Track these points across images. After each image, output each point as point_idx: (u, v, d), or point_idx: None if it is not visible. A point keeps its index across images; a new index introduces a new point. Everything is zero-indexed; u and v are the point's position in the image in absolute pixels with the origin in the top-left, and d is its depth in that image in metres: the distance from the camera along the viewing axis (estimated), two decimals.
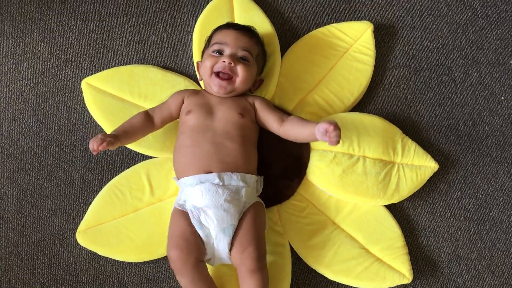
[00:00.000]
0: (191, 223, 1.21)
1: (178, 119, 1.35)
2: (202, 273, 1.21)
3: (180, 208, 1.24)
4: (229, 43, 1.31)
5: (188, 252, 1.19)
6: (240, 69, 1.29)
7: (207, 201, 1.20)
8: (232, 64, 1.28)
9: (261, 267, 1.20)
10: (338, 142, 1.16)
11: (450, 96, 1.50)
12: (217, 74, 1.30)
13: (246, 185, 1.24)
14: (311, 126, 1.23)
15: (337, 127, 1.16)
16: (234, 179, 1.23)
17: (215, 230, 1.20)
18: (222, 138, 1.26)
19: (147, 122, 1.31)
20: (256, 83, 1.38)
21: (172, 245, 1.21)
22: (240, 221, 1.22)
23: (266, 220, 1.29)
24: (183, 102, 1.34)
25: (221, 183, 1.22)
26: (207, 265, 1.26)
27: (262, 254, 1.22)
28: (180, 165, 1.27)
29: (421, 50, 1.52)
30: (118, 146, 1.25)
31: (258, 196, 1.30)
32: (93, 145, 1.19)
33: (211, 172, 1.23)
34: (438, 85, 1.50)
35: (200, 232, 1.20)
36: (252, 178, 1.26)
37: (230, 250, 1.21)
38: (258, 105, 1.34)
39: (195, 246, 1.20)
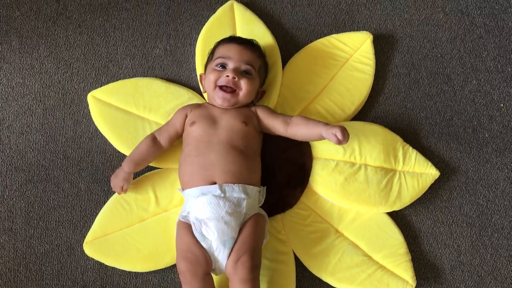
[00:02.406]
0: (195, 236, 1.23)
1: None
2: (210, 285, 1.23)
3: (183, 220, 1.26)
4: (232, 57, 1.33)
5: (197, 265, 1.21)
6: (243, 83, 1.31)
7: (208, 213, 1.22)
8: (236, 79, 1.30)
9: (253, 278, 1.21)
10: (347, 141, 1.22)
11: (449, 104, 1.51)
12: (221, 87, 1.32)
13: (248, 196, 1.25)
14: (318, 130, 1.26)
15: (346, 135, 1.21)
16: (236, 191, 1.24)
17: (216, 242, 1.22)
18: (226, 147, 1.28)
19: (154, 147, 1.34)
20: (258, 95, 1.40)
21: (181, 257, 1.23)
22: (239, 231, 1.23)
23: (266, 231, 1.31)
24: (186, 117, 1.36)
25: (222, 195, 1.23)
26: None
27: (256, 264, 1.23)
28: (186, 176, 1.29)
29: (420, 59, 1.54)
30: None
31: (260, 206, 1.31)
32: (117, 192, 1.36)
33: (215, 183, 1.25)
34: (438, 93, 1.52)
35: (203, 243, 1.22)
36: (254, 189, 1.27)
37: None
38: (260, 112, 1.36)
39: (202, 259, 1.21)
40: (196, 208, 1.24)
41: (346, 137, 1.21)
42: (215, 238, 1.21)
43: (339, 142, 1.21)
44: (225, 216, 1.22)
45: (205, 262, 1.22)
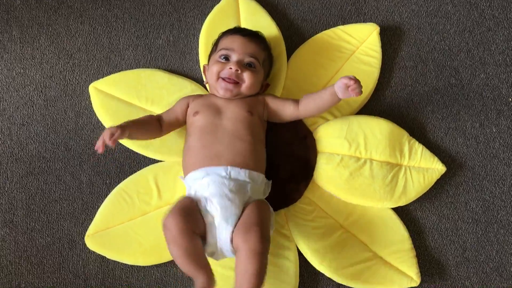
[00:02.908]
0: (196, 203, 1.20)
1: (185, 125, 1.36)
2: (197, 245, 1.16)
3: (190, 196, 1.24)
4: (236, 49, 1.31)
5: (187, 221, 1.15)
6: (246, 76, 1.30)
7: (212, 190, 1.20)
8: (239, 71, 1.29)
9: (263, 252, 1.14)
10: (361, 92, 1.22)
11: (457, 98, 1.49)
12: (224, 78, 1.31)
13: (253, 182, 1.24)
14: (329, 89, 1.27)
15: (355, 78, 1.21)
16: (242, 175, 1.23)
17: (218, 218, 1.19)
18: (232, 137, 1.26)
19: (154, 121, 1.32)
20: (263, 87, 1.38)
21: (171, 213, 1.16)
22: (244, 210, 1.20)
23: (272, 221, 1.28)
24: (188, 106, 1.35)
25: (227, 176, 1.22)
26: (212, 260, 1.24)
27: (266, 239, 1.16)
28: (190, 166, 1.27)
29: (427, 51, 1.52)
30: (127, 136, 1.22)
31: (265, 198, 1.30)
32: (104, 140, 1.16)
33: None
34: (445, 87, 1.50)
35: (205, 219, 1.19)
36: (260, 176, 1.26)
37: (232, 240, 1.17)
38: (268, 99, 1.35)
39: (195, 218, 1.18)
40: (201, 186, 1.22)
41: (359, 83, 1.21)
42: (218, 214, 1.19)
43: (357, 94, 1.21)
44: (229, 194, 1.20)
45: (196, 222, 1.17)
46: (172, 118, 1.34)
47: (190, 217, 1.17)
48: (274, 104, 1.35)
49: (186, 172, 1.29)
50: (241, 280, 1.13)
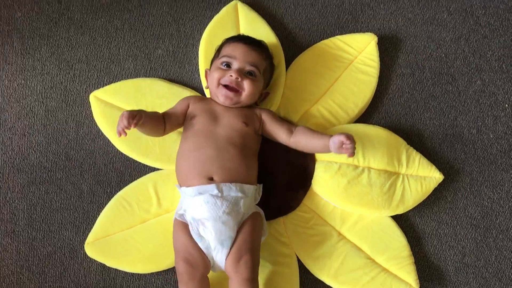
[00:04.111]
0: (192, 237, 1.23)
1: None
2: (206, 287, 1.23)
3: (180, 219, 1.26)
4: (238, 57, 1.32)
5: (196, 267, 1.21)
6: (246, 84, 1.31)
7: (205, 213, 1.22)
8: (239, 79, 1.30)
9: (254, 277, 1.22)
10: (354, 153, 1.23)
11: (454, 105, 1.50)
12: (224, 85, 1.32)
13: (245, 195, 1.25)
14: (324, 139, 1.27)
15: (352, 139, 1.21)
16: (233, 190, 1.24)
17: (214, 242, 1.21)
18: (224, 144, 1.27)
19: (161, 118, 1.31)
20: (262, 96, 1.39)
21: (179, 258, 1.23)
22: (238, 231, 1.23)
23: (265, 228, 1.30)
24: (188, 107, 1.35)
25: (219, 194, 1.23)
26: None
27: (256, 264, 1.23)
28: (183, 170, 1.29)
29: (424, 59, 1.53)
30: (140, 124, 1.22)
31: (263, 209, 1.31)
32: (124, 124, 1.18)
33: (212, 178, 1.24)
34: (442, 94, 1.51)
35: (200, 244, 1.22)
36: (250, 188, 1.27)
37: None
38: (265, 117, 1.36)
39: (200, 261, 1.22)
40: (193, 207, 1.24)
41: (352, 140, 1.22)
42: (213, 238, 1.21)
43: (350, 155, 1.22)
44: (222, 216, 1.21)
45: (203, 265, 1.22)
46: (173, 117, 1.34)
47: (196, 259, 1.22)
48: (270, 125, 1.35)
49: (179, 181, 1.30)
50: None
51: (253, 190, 1.28)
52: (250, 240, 1.23)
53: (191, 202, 1.24)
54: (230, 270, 1.21)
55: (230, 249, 1.21)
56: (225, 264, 1.22)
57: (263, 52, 1.38)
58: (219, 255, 1.22)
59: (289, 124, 1.37)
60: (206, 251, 1.22)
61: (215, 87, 1.33)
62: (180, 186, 1.30)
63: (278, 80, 1.45)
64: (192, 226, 1.23)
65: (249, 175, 1.28)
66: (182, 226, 1.25)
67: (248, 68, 1.32)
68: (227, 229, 1.21)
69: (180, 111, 1.35)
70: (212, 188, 1.23)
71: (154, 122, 1.30)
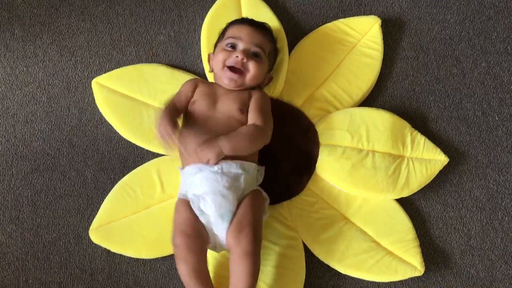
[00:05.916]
0: (194, 211, 1.22)
1: None
2: (204, 263, 1.22)
3: (183, 198, 1.26)
4: (243, 38, 1.31)
5: (194, 238, 1.20)
6: (251, 66, 1.30)
7: (205, 188, 1.21)
8: (245, 60, 1.29)
9: (256, 252, 1.19)
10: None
11: (459, 87, 1.49)
12: (229, 67, 1.30)
13: (246, 172, 1.24)
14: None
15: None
16: (234, 167, 1.23)
17: (214, 215, 1.20)
18: (223, 127, 1.26)
19: (177, 109, 1.30)
20: (266, 80, 1.38)
21: (178, 231, 1.21)
22: (238, 206, 1.22)
23: (266, 208, 1.30)
24: (197, 86, 1.33)
25: (220, 171, 1.22)
26: (213, 252, 1.28)
27: (258, 238, 1.21)
28: (184, 158, 1.28)
29: (428, 41, 1.51)
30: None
31: (267, 194, 1.30)
32: (166, 140, 1.21)
33: None
34: (447, 76, 1.50)
35: (201, 218, 1.21)
36: (251, 165, 1.27)
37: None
38: (252, 101, 1.32)
39: (200, 233, 1.21)
40: (194, 184, 1.23)
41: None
42: (213, 212, 1.20)
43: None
44: (222, 190, 1.21)
45: (202, 236, 1.21)
46: (184, 101, 1.32)
47: (196, 231, 1.21)
48: (249, 110, 1.31)
49: (183, 162, 1.30)
50: (235, 280, 1.18)
51: (254, 169, 1.28)
52: (250, 213, 1.21)
53: (192, 180, 1.24)
54: (231, 242, 1.19)
55: (230, 223, 1.20)
56: (226, 238, 1.21)
57: (268, 34, 1.37)
58: (220, 230, 1.20)
59: (257, 118, 1.29)
60: (208, 226, 1.21)
61: (220, 69, 1.32)
62: (183, 168, 1.29)
63: (281, 64, 1.44)
64: (193, 202, 1.23)
65: (248, 156, 1.27)
66: (184, 203, 1.24)
67: (254, 49, 1.31)
68: (227, 202, 1.21)
69: (191, 91, 1.33)
70: (212, 166, 1.23)
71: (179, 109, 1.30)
